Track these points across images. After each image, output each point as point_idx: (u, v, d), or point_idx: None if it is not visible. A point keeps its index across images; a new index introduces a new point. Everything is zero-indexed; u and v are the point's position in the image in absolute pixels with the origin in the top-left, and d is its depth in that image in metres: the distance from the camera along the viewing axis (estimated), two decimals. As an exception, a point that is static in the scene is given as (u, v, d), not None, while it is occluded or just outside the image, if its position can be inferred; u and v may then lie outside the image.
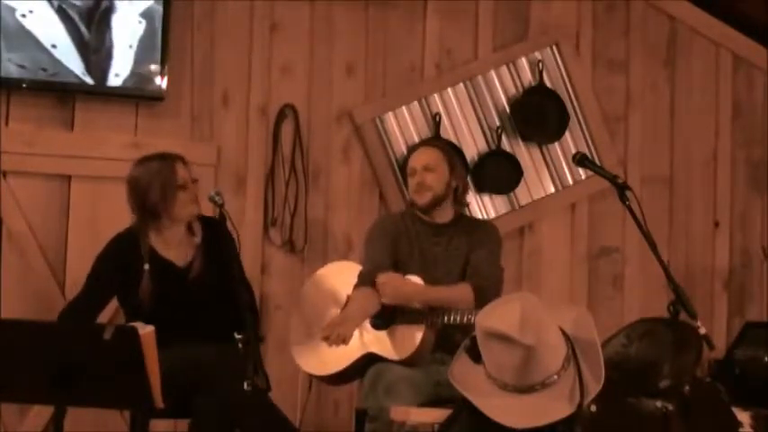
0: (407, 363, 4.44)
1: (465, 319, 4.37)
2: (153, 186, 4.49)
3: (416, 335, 4.45)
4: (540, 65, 5.86)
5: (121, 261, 4.55)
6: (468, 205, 5.00)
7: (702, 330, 3.83)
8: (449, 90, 5.78)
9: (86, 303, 4.54)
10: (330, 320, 4.51)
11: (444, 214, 4.73)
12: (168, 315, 4.38)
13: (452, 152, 4.91)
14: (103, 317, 5.13)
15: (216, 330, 4.43)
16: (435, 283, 4.54)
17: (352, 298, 4.58)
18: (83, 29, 5.15)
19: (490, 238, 4.72)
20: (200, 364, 4.30)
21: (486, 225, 4.90)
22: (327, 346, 4.42)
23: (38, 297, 5.16)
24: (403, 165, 5.59)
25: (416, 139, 5.69)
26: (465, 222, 4.81)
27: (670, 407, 3.58)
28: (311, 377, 4.69)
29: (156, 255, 4.54)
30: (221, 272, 4.37)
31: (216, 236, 4.49)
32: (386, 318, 4.55)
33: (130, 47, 5.22)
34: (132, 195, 4.53)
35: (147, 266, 4.50)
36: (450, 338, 4.41)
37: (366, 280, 4.58)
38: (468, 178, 5.61)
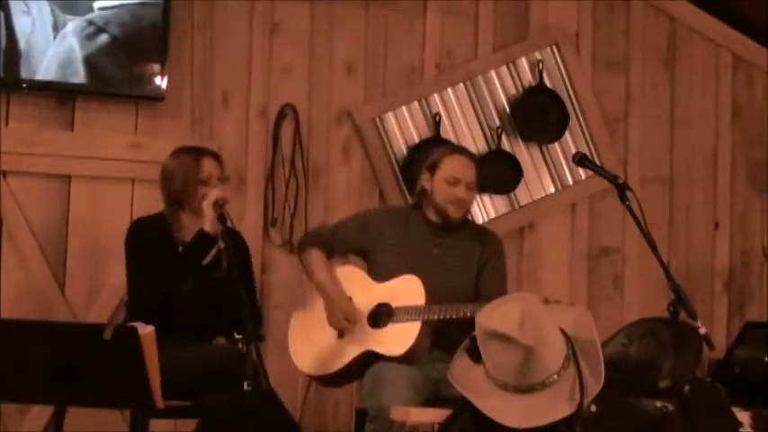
0: (405, 359, 4.45)
1: (462, 314, 4.38)
2: (176, 176, 4.59)
3: (413, 331, 4.46)
4: (540, 65, 5.87)
5: (152, 239, 4.56)
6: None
7: (702, 330, 3.83)
8: (449, 90, 5.78)
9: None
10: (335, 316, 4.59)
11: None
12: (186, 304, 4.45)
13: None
14: (102, 317, 5.15)
15: (216, 329, 4.46)
16: (431, 282, 4.55)
17: (313, 263, 4.69)
18: None
19: (501, 261, 4.75)
20: (209, 363, 4.32)
21: (495, 240, 4.84)
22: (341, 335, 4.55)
23: (38, 297, 5.16)
24: (406, 163, 5.60)
25: (416, 140, 5.69)
26: (471, 229, 4.81)
27: (670, 407, 3.58)
28: (310, 379, 4.70)
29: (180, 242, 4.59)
30: (234, 274, 4.35)
31: (233, 244, 4.52)
32: (383, 316, 4.56)
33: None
34: (160, 182, 4.65)
35: (181, 249, 4.53)
36: (448, 336, 4.41)
37: (314, 242, 4.72)
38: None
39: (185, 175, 4.57)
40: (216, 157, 4.65)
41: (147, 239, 4.56)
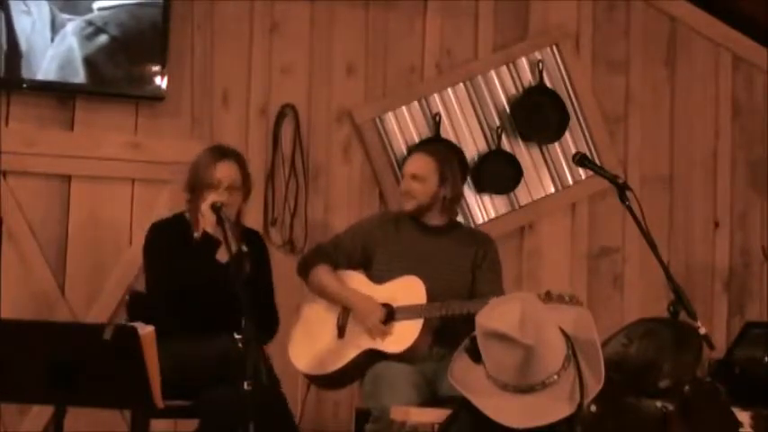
0: (406, 356, 4.46)
1: (464, 310, 4.39)
2: (190, 174, 4.62)
3: (415, 328, 4.48)
4: (540, 65, 5.86)
5: (169, 242, 4.57)
6: (457, 214, 4.97)
7: (702, 330, 3.83)
8: (449, 90, 5.78)
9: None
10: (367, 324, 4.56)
11: (435, 218, 4.75)
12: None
13: (448, 161, 4.85)
14: (102, 317, 5.15)
15: (225, 326, 4.47)
16: (428, 282, 4.55)
17: (325, 280, 4.68)
18: None
19: (496, 260, 4.78)
20: (211, 361, 4.32)
21: (488, 241, 4.86)
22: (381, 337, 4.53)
23: (38, 297, 5.16)
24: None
25: (416, 140, 5.69)
26: (463, 231, 4.82)
27: (670, 407, 3.58)
28: (309, 381, 4.70)
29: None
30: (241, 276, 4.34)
31: (253, 247, 4.54)
32: (384, 314, 4.56)
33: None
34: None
35: (196, 234, 4.55)
36: (449, 333, 4.42)
37: (315, 259, 4.73)
38: (468, 179, 5.63)
39: (195, 175, 4.59)
40: (238, 162, 4.62)
41: (164, 242, 4.58)
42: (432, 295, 4.52)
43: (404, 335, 4.49)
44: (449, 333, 4.43)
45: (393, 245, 4.69)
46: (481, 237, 4.87)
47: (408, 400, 4.26)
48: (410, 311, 4.51)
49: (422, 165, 4.74)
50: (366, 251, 4.72)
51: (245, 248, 4.33)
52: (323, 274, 4.70)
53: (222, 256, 4.49)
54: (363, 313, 4.56)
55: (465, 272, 4.70)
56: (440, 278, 4.62)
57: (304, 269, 4.77)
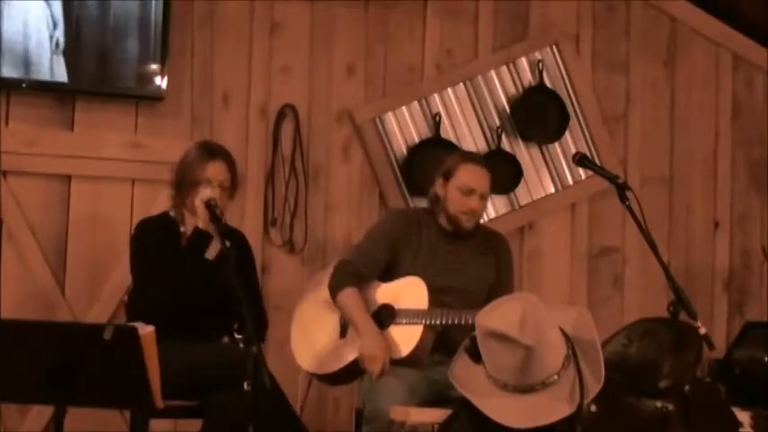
0: (406, 362, 4.44)
1: (463, 320, 4.37)
2: (178, 171, 4.59)
3: (415, 334, 4.46)
4: (540, 65, 5.86)
5: (157, 240, 4.56)
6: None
7: (702, 330, 3.83)
8: (449, 90, 5.78)
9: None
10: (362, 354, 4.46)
11: None
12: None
13: None
14: (102, 317, 5.16)
15: (221, 329, 4.46)
16: (443, 287, 4.55)
17: (349, 306, 4.55)
18: None
19: (511, 264, 4.79)
20: (214, 362, 4.33)
21: (504, 243, 4.85)
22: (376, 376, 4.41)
23: (38, 297, 5.16)
24: (406, 163, 5.60)
25: (416, 140, 5.69)
26: (480, 233, 4.78)
27: (670, 407, 3.59)
28: (312, 377, 4.70)
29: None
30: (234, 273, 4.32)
31: (238, 247, 4.51)
32: (385, 318, 4.56)
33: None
34: (173, 171, 4.64)
35: (183, 229, 4.55)
36: (450, 339, 4.41)
37: (344, 279, 4.58)
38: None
39: (185, 173, 4.57)
40: (228, 162, 4.61)
41: (151, 240, 4.56)
42: (447, 300, 4.51)
43: (405, 340, 4.47)
44: (451, 339, 4.40)
45: (417, 249, 4.65)
46: (497, 239, 4.84)
47: (402, 402, 4.23)
48: (411, 316, 4.49)
49: (486, 182, 4.67)
50: (393, 257, 4.66)
51: (228, 243, 4.31)
52: (347, 300, 4.56)
53: (211, 254, 4.48)
54: (367, 354, 4.46)
55: (482, 277, 4.68)
56: (457, 283, 4.60)
57: (333, 290, 4.61)
